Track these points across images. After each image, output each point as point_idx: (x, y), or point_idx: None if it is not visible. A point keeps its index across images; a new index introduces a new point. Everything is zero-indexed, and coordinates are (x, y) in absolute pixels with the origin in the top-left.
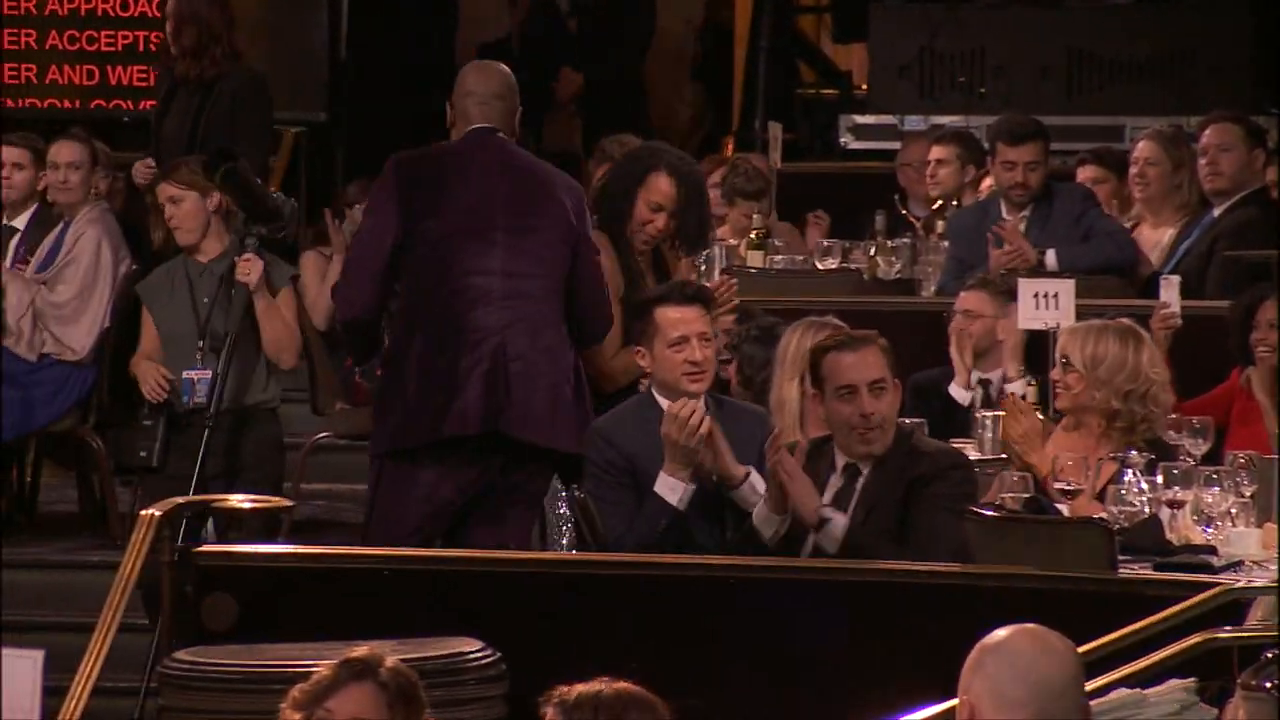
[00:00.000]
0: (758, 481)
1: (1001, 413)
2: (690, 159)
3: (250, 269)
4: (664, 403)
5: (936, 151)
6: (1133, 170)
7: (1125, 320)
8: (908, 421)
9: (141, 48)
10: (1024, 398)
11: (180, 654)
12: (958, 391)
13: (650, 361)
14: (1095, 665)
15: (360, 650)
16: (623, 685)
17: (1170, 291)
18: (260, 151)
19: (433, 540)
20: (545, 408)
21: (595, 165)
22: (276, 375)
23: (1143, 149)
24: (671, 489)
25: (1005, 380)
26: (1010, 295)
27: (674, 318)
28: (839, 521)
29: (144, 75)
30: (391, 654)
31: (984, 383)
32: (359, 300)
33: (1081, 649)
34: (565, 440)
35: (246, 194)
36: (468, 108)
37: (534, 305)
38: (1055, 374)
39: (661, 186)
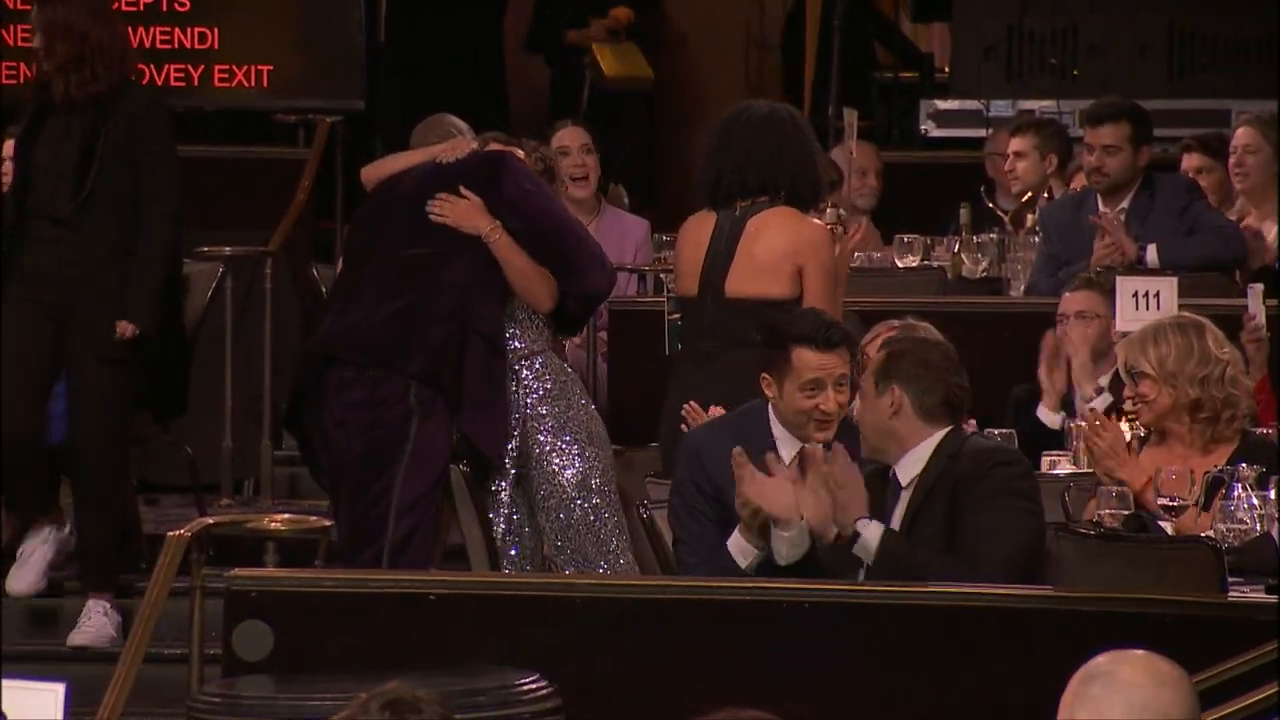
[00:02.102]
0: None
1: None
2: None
3: None
4: (777, 431)
5: (1015, 143)
6: (1231, 159)
7: (1180, 313)
8: (997, 433)
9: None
10: (1109, 412)
11: (211, 686)
12: (1046, 415)
13: (776, 394)
14: (1203, 697)
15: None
16: (753, 714)
17: (1256, 300)
18: (175, 188)
19: None
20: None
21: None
22: None
23: (1241, 135)
24: (742, 551)
25: (1084, 399)
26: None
27: (812, 362)
28: (873, 532)
29: (180, 73)
30: (438, 686)
31: (1099, 389)
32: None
33: None
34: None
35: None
36: None
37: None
38: (1128, 391)
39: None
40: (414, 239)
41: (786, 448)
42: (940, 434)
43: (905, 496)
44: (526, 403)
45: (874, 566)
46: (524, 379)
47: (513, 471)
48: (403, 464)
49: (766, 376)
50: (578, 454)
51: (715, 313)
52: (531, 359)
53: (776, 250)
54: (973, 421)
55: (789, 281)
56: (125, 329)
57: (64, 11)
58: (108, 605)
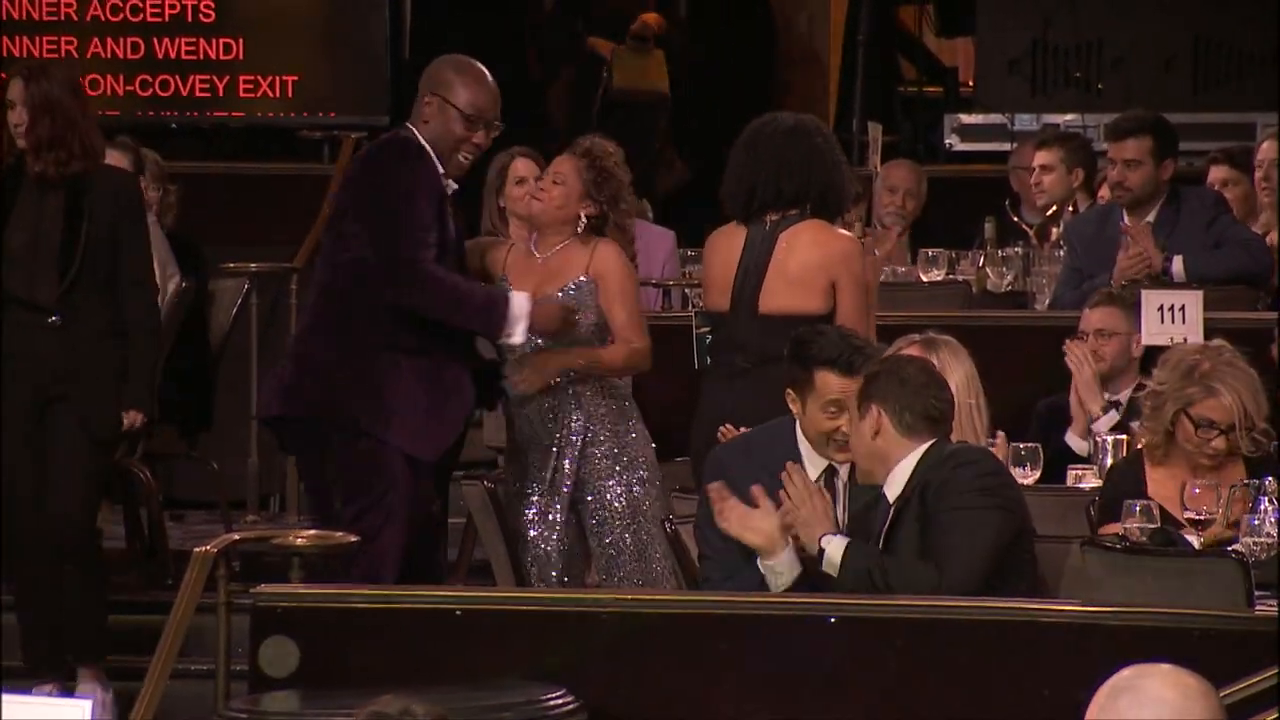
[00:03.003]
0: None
1: (1124, 436)
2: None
3: None
4: (803, 447)
5: (1041, 157)
6: (1258, 173)
7: (1222, 345)
8: (1021, 447)
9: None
10: (1117, 430)
11: (237, 702)
12: (1075, 441)
13: (800, 410)
14: (1230, 712)
15: (386, 702)
16: None
17: None
18: (149, 271)
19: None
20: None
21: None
22: None
23: (1267, 149)
24: (772, 573)
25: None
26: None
27: (834, 385)
28: (835, 545)
29: (205, 84)
30: (465, 701)
31: (1114, 404)
32: None
33: None
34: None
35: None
36: None
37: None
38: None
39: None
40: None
41: (813, 464)
42: (922, 448)
43: (890, 513)
44: (588, 428)
45: (840, 580)
46: (584, 400)
47: (568, 494)
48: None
49: (791, 392)
50: (634, 481)
51: (748, 328)
52: (590, 381)
53: (810, 264)
54: (1000, 435)
55: (822, 295)
56: (135, 419)
57: (48, 87)
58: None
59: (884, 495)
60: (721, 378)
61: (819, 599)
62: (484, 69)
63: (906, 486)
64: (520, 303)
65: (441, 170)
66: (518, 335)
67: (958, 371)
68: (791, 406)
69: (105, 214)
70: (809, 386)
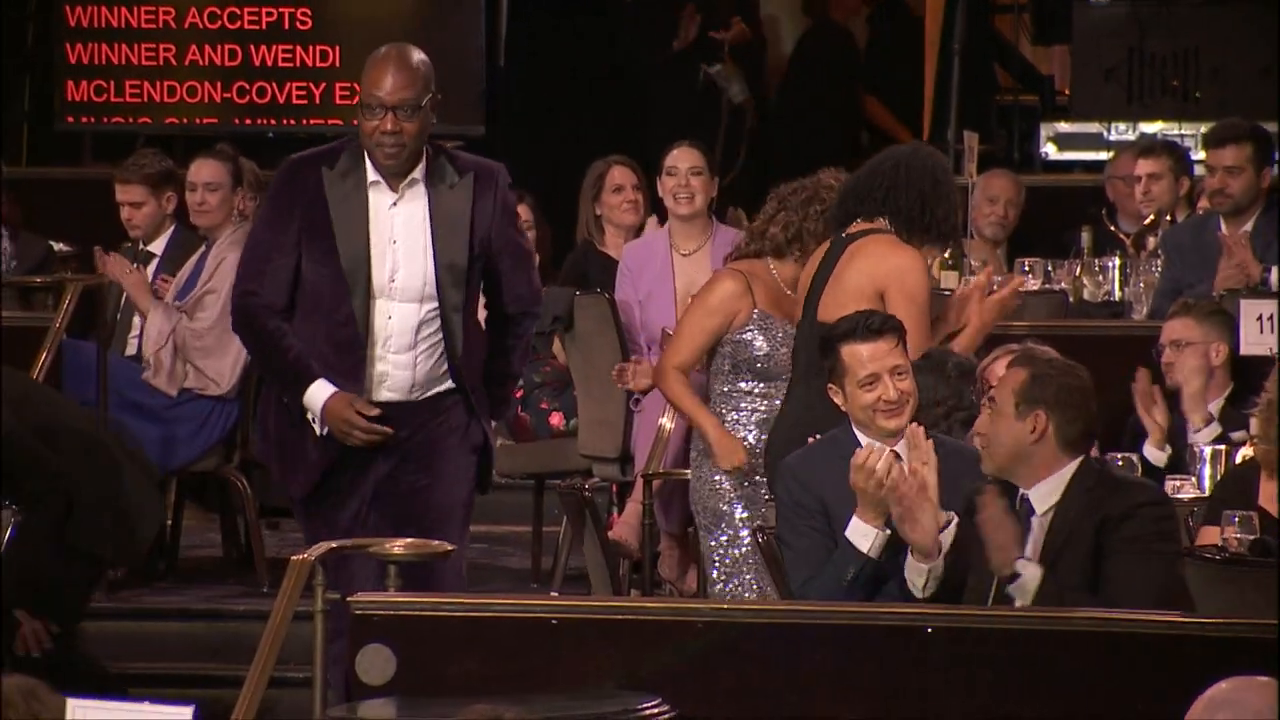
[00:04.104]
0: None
1: (1223, 446)
2: None
3: None
4: (862, 439)
5: (1147, 165)
6: None
7: None
8: (1119, 458)
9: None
10: (1220, 443)
11: (335, 710)
12: (1152, 453)
13: (843, 400)
14: None
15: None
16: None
17: None
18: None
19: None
20: None
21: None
22: None
23: None
24: (864, 535)
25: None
26: (1222, 318)
27: (863, 355)
28: (1032, 573)
29: (302, 91)
30: (560, 710)
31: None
32: None
33: None
34: None
35: None
36: None
37: None
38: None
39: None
40: None
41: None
42: (1075, 464)
43: (1040, 524)
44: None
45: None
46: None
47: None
48: None
49: (832, 386)
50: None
51: (807, 337)
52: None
53: (861, 275)
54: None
55: (869, 306)
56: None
57: None
58: None
59: (1027, 500)
60: (795, 385)
61: (917, 609)
62: (388, 52)
63: (1064, 504)
64: (315, 394)
65: (374, 175)
66: (316, 425)
67: None
68: (836, 400)
69: None
70: (841, 369)
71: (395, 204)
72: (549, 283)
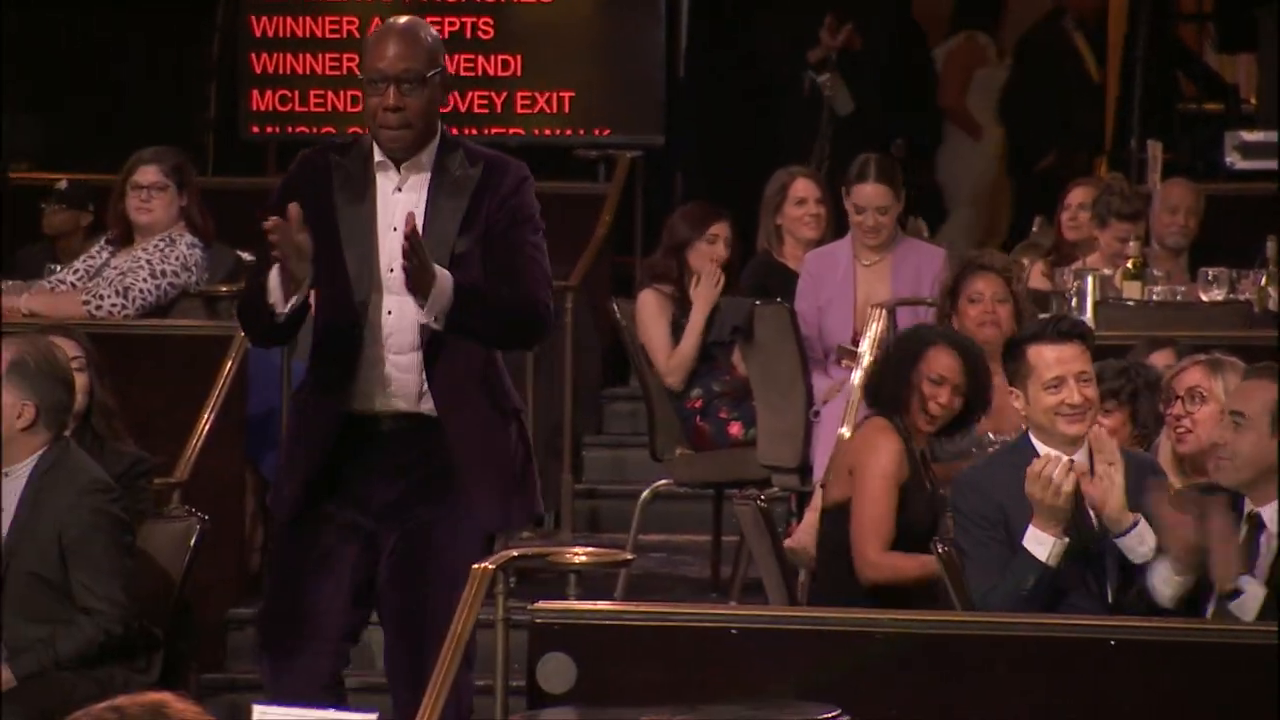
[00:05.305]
0: (1146, 532)
1: None
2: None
3: None
4: (1041, 448)
5: None
6: None
7: None
8: None
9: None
10: None
11: (516, 718)
12: None
13: (1024, 404)
14: None
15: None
16: None
17: None
18: None
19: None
20: None
21: None
22: None
23: None
24: (1041, 543)
25: None
26: None
27: (1050, 357)
28: (1255, 591)
29: (484, 100)
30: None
31: None
32: None
33: None
34: None
35: None
36: None
37: None
38: None
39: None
40: None
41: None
42: None
43: (1270, 542)
44: None
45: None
46: None
47: None
48: None
49: (1014, 390)
50: None
51: None
52: None
53: None
54: None
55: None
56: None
57: None
58: None
59: (1259, 516)
60: None
61: (1099, 621)
62: (390, 23)
63: None
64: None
65: (380, 157)
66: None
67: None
68: (1016, 405)
69: None
70: (1026, 371)
71: (399, 188)
72: (728, 293)
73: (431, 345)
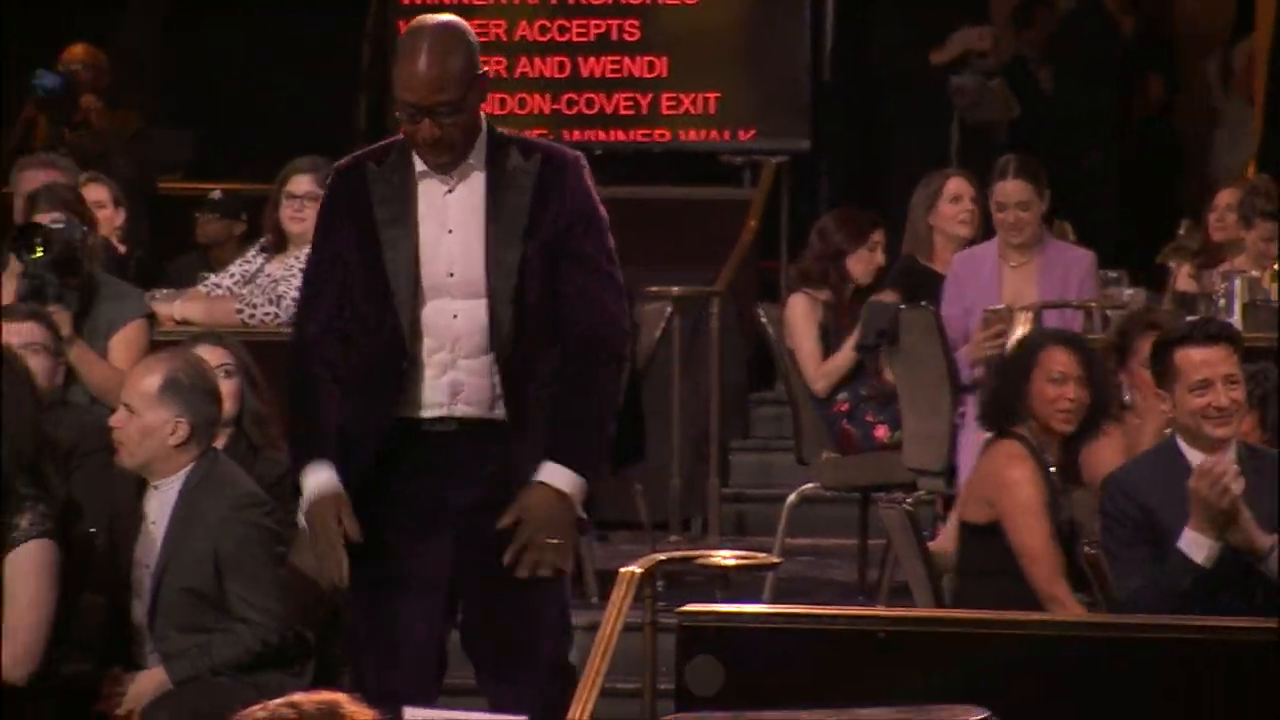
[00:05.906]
0: None
1: None
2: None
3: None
4: (1188, 452)
5: None
6: None
7: None
8: None
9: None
10: None
11: None
12: None
13: (1171, 406)
14: None
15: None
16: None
17: None
18: None
19: None
20: None
21: None
22: None
23: None
24: (1198, 546)
25: None
26: None
27: (1197, 360)
28: None
29: (630, 102)
30: None
31: None
32: None
33: None
34: None
35: None
36: None
37: None
38: None
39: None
40: None
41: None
42: None
43: None
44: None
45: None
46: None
47: None
48: None
49: (1161, 392)
50: None
51: None
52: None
53: None
54: None
55: None
56: None
57: None
58: None
59: None
60: None
61: (1256, 622)
62: (415, 44)
63: None
64: (309, 484)
65: (421, 167)
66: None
67: None
68: (1163, 407)
69: None
70: (1173, 371)
71: (451, 190)
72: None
73: (506, 347)
